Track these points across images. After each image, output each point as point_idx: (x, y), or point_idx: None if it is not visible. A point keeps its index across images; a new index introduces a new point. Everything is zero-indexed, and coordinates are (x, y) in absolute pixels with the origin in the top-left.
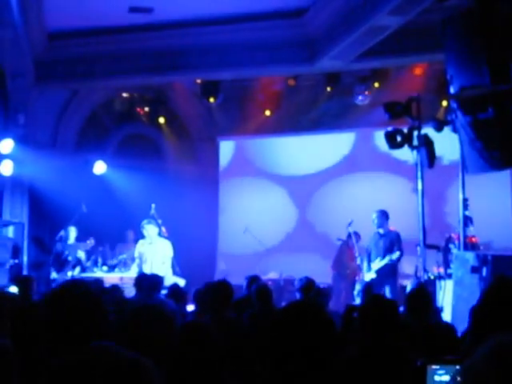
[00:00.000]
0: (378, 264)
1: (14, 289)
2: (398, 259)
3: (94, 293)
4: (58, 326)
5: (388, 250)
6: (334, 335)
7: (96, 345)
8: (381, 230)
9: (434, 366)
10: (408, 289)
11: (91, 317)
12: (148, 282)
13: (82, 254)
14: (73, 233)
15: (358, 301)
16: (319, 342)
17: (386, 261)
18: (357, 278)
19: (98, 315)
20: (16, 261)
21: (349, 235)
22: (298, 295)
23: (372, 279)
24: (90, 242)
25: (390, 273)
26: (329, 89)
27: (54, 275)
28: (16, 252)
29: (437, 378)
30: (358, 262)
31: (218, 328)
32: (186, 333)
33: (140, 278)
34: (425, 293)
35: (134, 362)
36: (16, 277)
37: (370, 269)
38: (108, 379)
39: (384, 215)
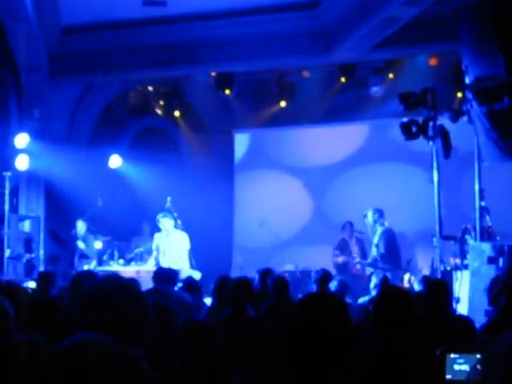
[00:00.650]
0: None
1: (32, 284)
2: (381, 255)
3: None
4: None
5: (375, 246)
6: (351, 327)
7: (85, 336)
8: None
9: (453, 355)
10: (415, 286)
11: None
12: (164, 276)
13: (83, 245)
14: (80, 226)
15: (373, 293)
16: (336, 334)
17: (369, 260)
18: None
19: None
20: (32, 255)
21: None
22: (314, 287)
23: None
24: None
25: (386, 264)
26: (343, 80)
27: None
28: (29, 246)
29: (456, 366)
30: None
31: (236, 324)
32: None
33: (157, 272)
34: (444, 284)
35: (129, 356)
36: (39, 272)
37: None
38: (100, 373)
39: (376, 213)
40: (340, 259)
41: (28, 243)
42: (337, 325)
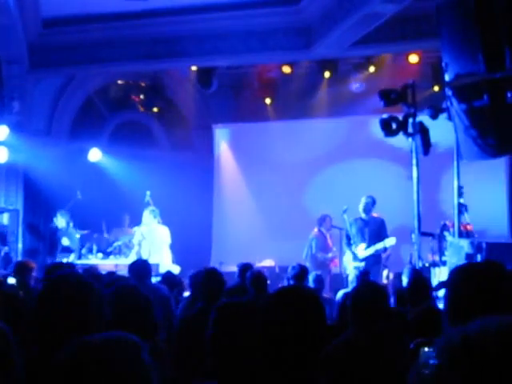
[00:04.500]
0: (366, 251)
1: (11, 280)
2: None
3: (87, 282)
4: (51, 318)
5: (375, 237)
6: (325, 320)
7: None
8: (365, 216)
9: (427, 349)
10: (404, 278)
11: (86, 307)
12: (137, 269)
13: (68, 241)
14: (61, 219)
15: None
16: (310, 326)
17: (378, 247)
18: (332, 266)
19: (92, 305)
20: (6, 248)
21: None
22: (291, 283)
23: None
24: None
25: (375, 261)
26: (324, 76)
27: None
28: (3, 239)
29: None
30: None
31: (206, 317)
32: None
33: (132, 265)
34: (424, 281)
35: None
36: (15, 262)
37: (355, 257)
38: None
39: (373, 201)
40: (320, 255)
41: (2, 236)
42: (310, 316)
